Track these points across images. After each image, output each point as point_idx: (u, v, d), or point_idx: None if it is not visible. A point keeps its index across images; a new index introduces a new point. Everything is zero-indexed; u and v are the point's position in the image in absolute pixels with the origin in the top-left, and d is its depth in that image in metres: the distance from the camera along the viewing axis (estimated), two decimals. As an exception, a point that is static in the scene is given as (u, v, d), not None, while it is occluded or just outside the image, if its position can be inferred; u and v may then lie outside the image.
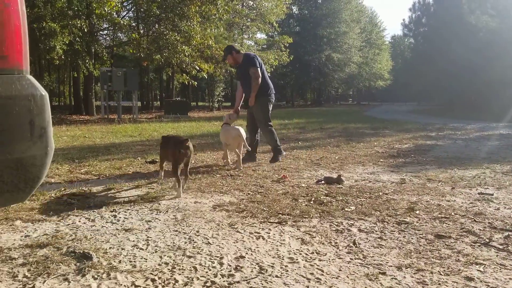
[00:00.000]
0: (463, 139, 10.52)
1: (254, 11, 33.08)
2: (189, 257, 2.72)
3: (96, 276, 2.41)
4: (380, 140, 10.05)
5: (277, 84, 50.96)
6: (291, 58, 31.55)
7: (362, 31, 52.47)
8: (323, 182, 5.13)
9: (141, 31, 23.78)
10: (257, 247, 2.91)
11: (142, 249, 2.85)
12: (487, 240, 3.06)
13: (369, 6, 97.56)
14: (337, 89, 60.56)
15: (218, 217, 3.62)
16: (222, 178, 5.35)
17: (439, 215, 3.70)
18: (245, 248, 2.88)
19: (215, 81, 33.07)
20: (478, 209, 3.94)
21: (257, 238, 3.09)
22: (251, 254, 2.78)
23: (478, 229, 3.33)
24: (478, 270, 2.54)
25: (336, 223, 3.45)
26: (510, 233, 3.21)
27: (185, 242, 2.99)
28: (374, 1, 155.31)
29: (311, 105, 51.12)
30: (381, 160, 7.06)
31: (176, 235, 3.15)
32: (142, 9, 23.80)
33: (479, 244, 2.99)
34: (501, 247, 2.93)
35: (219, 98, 35.60)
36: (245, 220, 3.53)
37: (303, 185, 5.00)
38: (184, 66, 22.01)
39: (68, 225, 3.38)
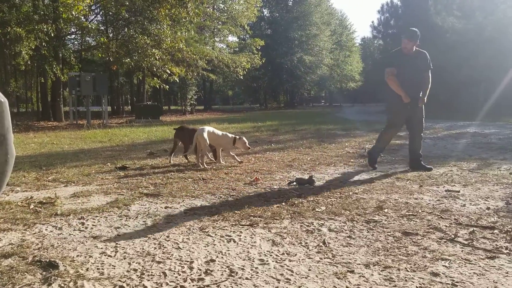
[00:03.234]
0: (432, 138, 10.76)
1: (225, 14, 33.15)
2: (159, 262, 2.70)
3: (62, 285, 2.36)
4: (351, 141, 10.19)
5: (250, 87, 51.25)
6: (263, 61, 31.69)
7: (333, 33, 53.06)
8: (295, 183, 5.16)
9: (110, 35, 23.47)
10: (228, 250, 2.90)
11: (111, 256, 2.81)
12: (453, 236, 3.14)
13: (339, 8, 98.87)
14: (310, 91, 61.06)
15: (189, 221, 3.60)
16: (194, 182, 5.32)
17: (407, 213, 3.78)
18: (215, 252, 2.87)
19: (187, 85, 32.88)
20: (445, 206, 4.05)
21: (228, 241, 3.09)
22: (222, 257, 2.77)
23: (444, 225, 3.41)
24: (443, 265, 2.60)
25: (307, 224, 3.48)
26: (475, 228, 3.31)
27: (155, 248, 2.96)
28: (344, 4, 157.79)
29: (284, 107, 51.37)
30: (351, 160, 7.16)
31: (146, 241, 3.11)
32: (110, 13, 23.48)
33: (445, 240, 3.07)
34: (466, 242, 3.01)
35: (192, 102, 35.39)
36: (217, 223, 3.52)
37: (275, 187, 5.02)
38: (154, 70, 21.80)
39: (34, 234, 3.30)
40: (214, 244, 3.02)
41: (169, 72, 22.09)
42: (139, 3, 20.24)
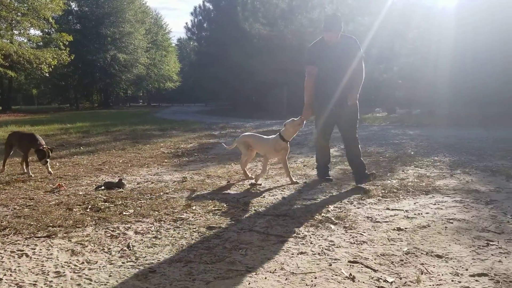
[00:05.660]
0: (241, 136, 11.50)
1: (25, 5, 29.66)
2: None
3: None
4: (166, 141, 10.22)
5: (58, 85, 47.13)
6: (72, 57, 29.41)
7: (148, 32, 52.34)
8: (103, 187, 4.95)
9: None
10: (19, 266, 2.63)
11: None
12: (251, 226, 3.41)
13: (154, 7, 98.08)
14: (126, 90, 59.12)
15: (-29, 239, 3.13)
16: (-19, 194, 4.66)
17: (213, 208, 3.97)
18: (3, 270, 2.56)
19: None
20: (248, 199, 4.37)
21: (20, 256, 2.79)
22: (11, 274, 2.49)
23: (246, 216, 3.69)
24: (240, 254, 2.81)
25: (112, 229, 3.37)
26: (269, 217, 3.66)
27: None
28: (159, 4, 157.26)
29: (98, 107, 48.70)
30: (165, 160, 7.18)
31: None
32: None
33: (244, 230, 3.32)
34: (262, 230, 3.31)
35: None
36: (7, 238, 3.15)
37: (80, 193, 4.72)
38: None
39: None
40: (2, 262, 2.69)
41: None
42: None
